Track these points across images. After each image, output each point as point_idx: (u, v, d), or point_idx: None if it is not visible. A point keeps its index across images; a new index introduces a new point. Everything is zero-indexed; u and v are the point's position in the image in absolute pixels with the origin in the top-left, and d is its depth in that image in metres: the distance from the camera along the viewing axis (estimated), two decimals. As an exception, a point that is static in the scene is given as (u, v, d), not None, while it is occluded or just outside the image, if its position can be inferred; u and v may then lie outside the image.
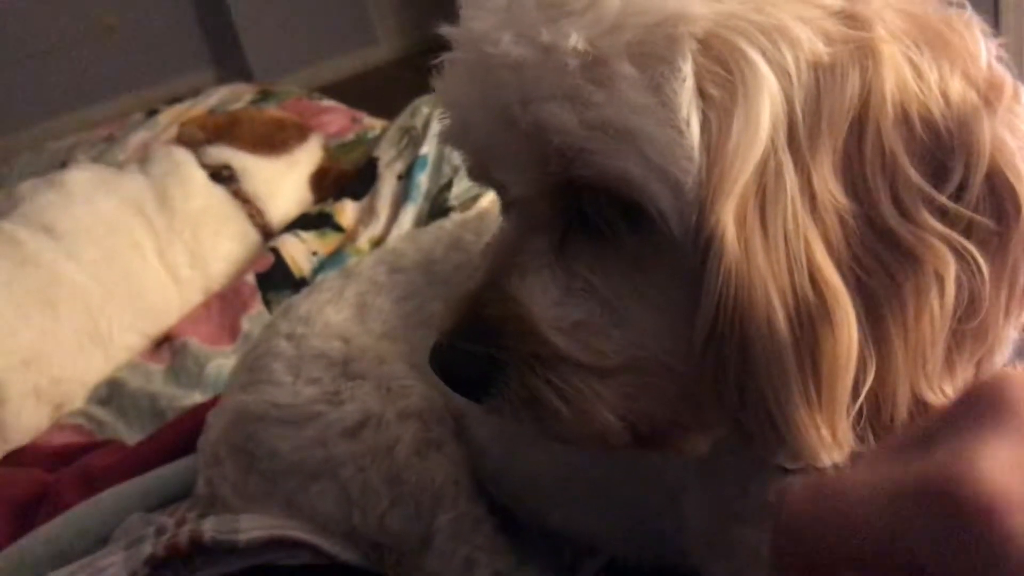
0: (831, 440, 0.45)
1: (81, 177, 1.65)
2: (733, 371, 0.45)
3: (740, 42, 0.43)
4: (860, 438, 0.45)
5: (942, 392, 0.45)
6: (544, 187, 0.49)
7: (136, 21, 4.32)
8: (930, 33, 0.45)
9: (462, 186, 1.61)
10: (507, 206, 0.55)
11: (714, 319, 0.44)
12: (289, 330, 0.90)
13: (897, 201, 0.43)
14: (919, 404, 0.46)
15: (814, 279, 0.43)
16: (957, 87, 0.44)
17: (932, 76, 0.43)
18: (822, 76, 0.43)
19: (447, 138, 0.57)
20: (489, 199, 1.46)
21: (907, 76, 0.43)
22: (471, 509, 0.82)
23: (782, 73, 0.43)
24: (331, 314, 0.90)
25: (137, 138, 2.22)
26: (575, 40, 0.44)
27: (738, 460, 0.57)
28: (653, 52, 0.44)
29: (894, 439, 0.36)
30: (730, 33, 0.44)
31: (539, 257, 0.51)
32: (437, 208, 1.59)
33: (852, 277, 0.43)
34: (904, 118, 0.43)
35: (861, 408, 0.45)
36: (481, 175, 0.57)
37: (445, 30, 0.52)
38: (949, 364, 0.46)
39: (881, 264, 0.43)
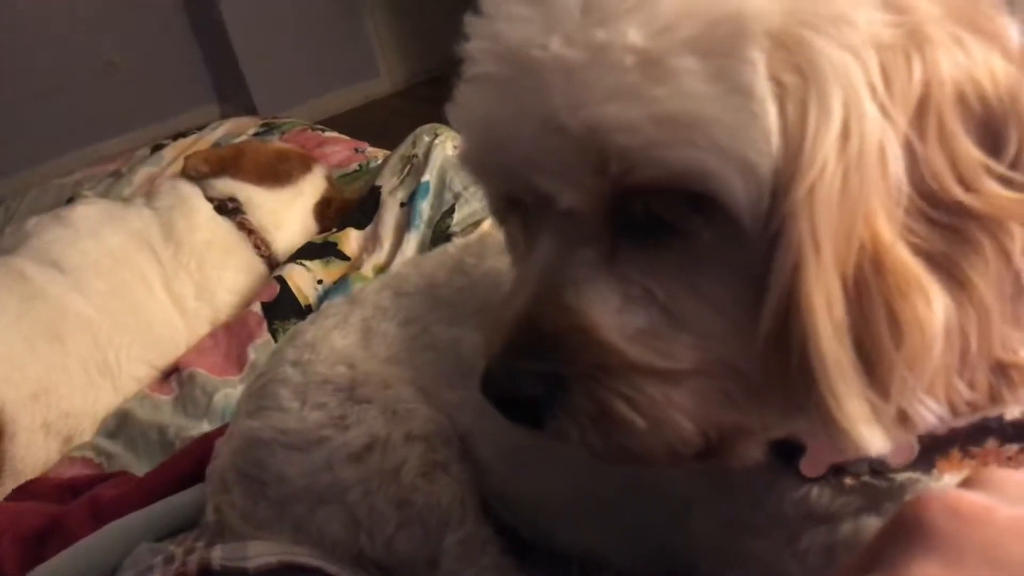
0: (891, 423, 0.44)
1: (88, 212, 1.68)
2: (797, 364, 0.44)
3: (808, 32, 0.43)
4: (937, 415, 0.45)
5: (1021, 355, 0.46)
6: (596, 194, 0.47)
7: (141, 59, 4.38)
8: (964, 17, 0.46)
9: (463, 212, 1.63)
10: (535, 223, 0.53)
11: (780, 311, 0.44)
12: (295, 356, 0.91)
13: (959, 175, 0.43)
14: (996, 369, 0.46)
15: (881, 258, 0.42)
16: (999, 63, 0.45)
17: (978, 55, 0.45)
18: (887, 59, 0.43)
19: (470, 160, 0.55)
20: (489, 223, 1.47)
21: (958, 56, 0.44)
22: (478, 530, 0.82)
23: (853, 56, 0.43)
24: (337, 340, 0.91)
25: (143, 173, 2.24)
26: (633, 37, 0.44)
27: (750, 473, 0.55)
28: (715, 47, 0.44)
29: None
30: (797, 25, 0.44)
31: (592, 267, 0.49)
32: (439, 234, 1.61)
33: (927, 253, 0.43)
34: (960, 96, 0.44)
35: (934, 385, 0.44)
36: (511, 200, 0.55)
37: (468, 47, 0.51)
38: (1021, 328, 0.46)
39: (958, 233, 0.44)
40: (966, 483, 0.39)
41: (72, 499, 1.13)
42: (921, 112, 0.44)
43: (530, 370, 0.49)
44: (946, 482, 0.54)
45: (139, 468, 1.31)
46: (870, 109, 0.43)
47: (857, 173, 0.42)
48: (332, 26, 4.55)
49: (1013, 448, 0.55)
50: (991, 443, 0.54)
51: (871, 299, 0.43)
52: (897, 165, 0.43)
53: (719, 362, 0.47)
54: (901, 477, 0.55)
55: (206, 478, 0.94)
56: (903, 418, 0.45)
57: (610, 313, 0.48)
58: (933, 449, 0.54)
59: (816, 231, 0.42)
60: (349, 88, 4.66)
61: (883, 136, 0.43)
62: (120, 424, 1.44)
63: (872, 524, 0.55)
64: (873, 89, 0.43)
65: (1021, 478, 0.38)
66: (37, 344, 1.45)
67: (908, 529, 0.36)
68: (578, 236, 0.50)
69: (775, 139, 0.43)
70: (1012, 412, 0.53)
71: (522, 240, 0.57)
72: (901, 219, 0.43)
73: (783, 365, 0.44)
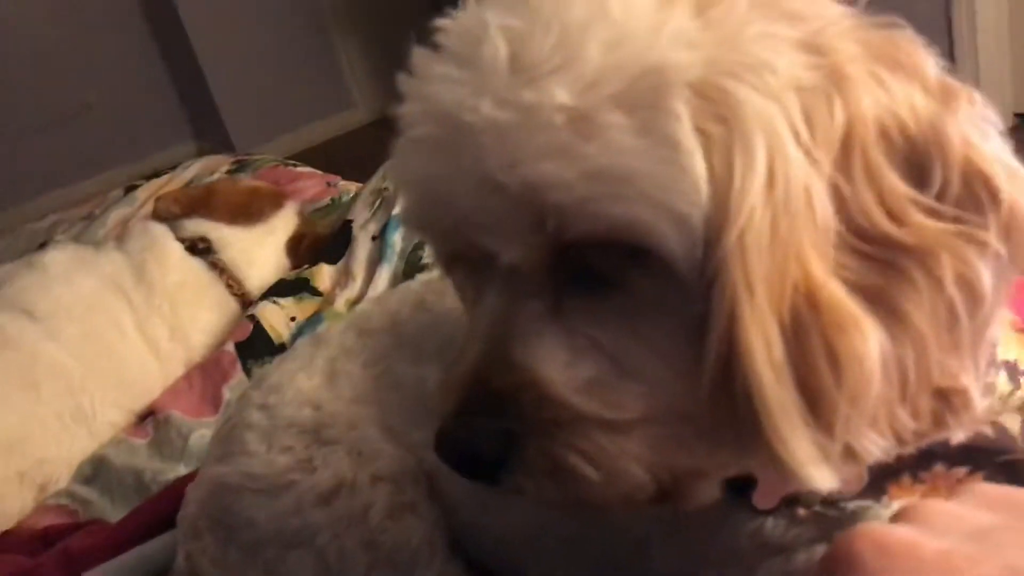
0: (838, 459, 0.44)
1: (59, 258, 1.67)
2: (743, 407, 0.44)
3: (729, 81, 0.44)
4: (880, 447, 0.45)
5: (961, 381, 0.47)
6: (537, 250, 0.48)
7: (114, 98, 4.38)
8: (883, 54, 0.47)
9: (436, 244, 1.63)
10: (480, 277, 0.53)
11: (721, 357, 0.44)
12: (261, 400, 0.91)
13: (888, 210, 0.44)
14: (938, 396, 0.47)
15: (816, 297, 0.43)
16: (919, 97, 0.46)
17: (898, 91, 0.45)
18: (809, 102, 0.44)
19: (411, 219, 0.55)
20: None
21: (879, 94, 0.45)
22: (447, 569, 0.82)
23: (775, 101, 0.44)
24: (302, 381, 0.91)
25: (116, 215, 2.23)
26: (560, 96, 0.44)
27: (704, 508, 0.55)
28: (641, 101, 0.44)
29: None
30: (718, 75, 0.44)
31: (538, 321, 0.49)
32: (412, 266, 1.61)
33: (861, 287, 0.44)
34: (883, 133, 0.45)
35: (877, 418, 0.45)
36: (455, 254, 0.56)
37: (402, 109, 0.51)
38: (960, 354, 0.47)
39: (890, 266, 0.44)
40: (897, 517, 0.40)
41: (45, 550, 1.12)
42: (846, 151, 0.44)
43: (484, 428, 0.49)
44: (896, 508, 0.54)
45: (115, 514, 1.30)
46: (794, 153, 0.43)
47: (785, 217, 0.43)
48: (306, 58, 4.56)
49: (961, 471, 0.56)
50: (939, 467, 0.55)
51: (809, 338, 0.43)
52: (824, 206, 0.44)
53: (668, 408, 0.48)
54: (853, 505, 0.55)
55: (177, 524, 0.93)
56: (849, 453, 0.45)
57: (559, 367, 0.48)
58: (883, 476, 0.55)
59: (749, 275, 0.43)
60: (325, 120, 4.67)
61: (808, 179, 0.43)
62: (96, 470, 1.43)
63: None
64: (796, 133, 0.44)
65: (950, 509, 0.39)
66: (10, 394, 1.45)
67: (839, 566, 0.36)
68: (523, 290, 0.50)
69: (704, 189, 0.44)
70: (957, 436, 0.54)
71: (470, 293, 0.58)
72: (833, 256, 0.44)
73: (730, 408, 0.45)
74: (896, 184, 0.45)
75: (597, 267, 0.47)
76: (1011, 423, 0.57)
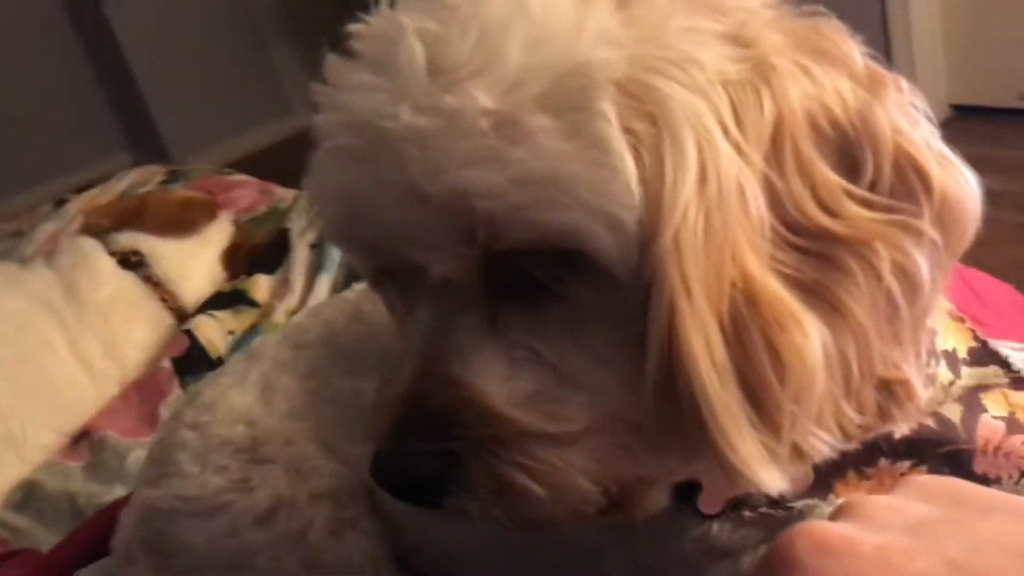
0: (786, 459, 0.44)
1: (-16, 277, 1.62)
2: (688, 411, 0.43)
3: (654, 78, 0.43)
4: (827, 443, 0.45)
5: (903, 371, 0.46)
6: (469, 261, 0.46)
7: (43, 110, 4.27)
8: (808, 44, 0.46)
9: (376, 250, 1.61)
10: (412, 292, 0.51)
11: (662, 360, 0.43)
12: (193, 419, 0.88)
13: (821, 202, 0.44)
14: (882, 388, 0.46)
15: (754, 295, 0.42)
16: (847, 86, 0.45)
17: (825, 81, 0.45)
18: (737, 95, 0.44)
19: (334, 234, 0.54)
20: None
21: (806, 84, 0.45)
22: (392, 585, 0.80)
23: (702, 96, 0.43)
24: (236, 398, 0.88)
25: (45, 230, 2.16)
26: (482, 99, 0.43)
27: (650, 516, 0.54)
28: (567, 102, 0.43)
29: None
30: (642, 72, 0.43)
31: (474, 335, 0.48)
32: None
33: (799, 282, 0.43)
34: (813, 124, 0.44)
35: (823, 414, 0.44)
36: (382, 270, 0.54)
37: (318, 119, 0.50)
38: (901, 345, 0.46)
39: (826, 259, 0.44)
40: (836, 513, 0.40)
41: (-27, 584, 1.07)
42: (776, 144, 0.44)
43: (422, 450, 0.47)
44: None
45: (48, 541, 1.25)
46: (724, 148, 0.43)
47: (719, 214, 0.42)
48: (242, 64, 4.50)
49: (905, 465, 0.55)
50: (883, 462, 0.55)
51: (750, 336, 0.42)
52: (758, 200, 0.43)
53: (613, 417, 0.47)
54: (799, 505, 0.54)
55: (111, 551, 0.90)
56: (797, 452, 0.45)
57: (498, 381, 0.47)
58: (828, 474, 0.54)
59: (686, 275, 0.42)
60: (264, 127, 4.60)
61: (740, 173, 0.43)
62: (27, 496, 1.38)
63: None
64: (725, 128, 0.43)
65: (888, 503, 0.39)
66: (-66, 420, 1.39)
67: (778, 565, 0.36)
68: (456, 304, 0.48)
69: (636, 190, 0.43)
70: (901, 430, 0.53)
71: (400, 308, 0.56)
72: (769, 252, 0.43)
73: (675, 413, 0.44)
74: (828, 175, 0.44)
75: (532, 275, 0.46)
76: (952, 413, 0.57)
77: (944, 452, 0.55)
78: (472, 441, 0.46)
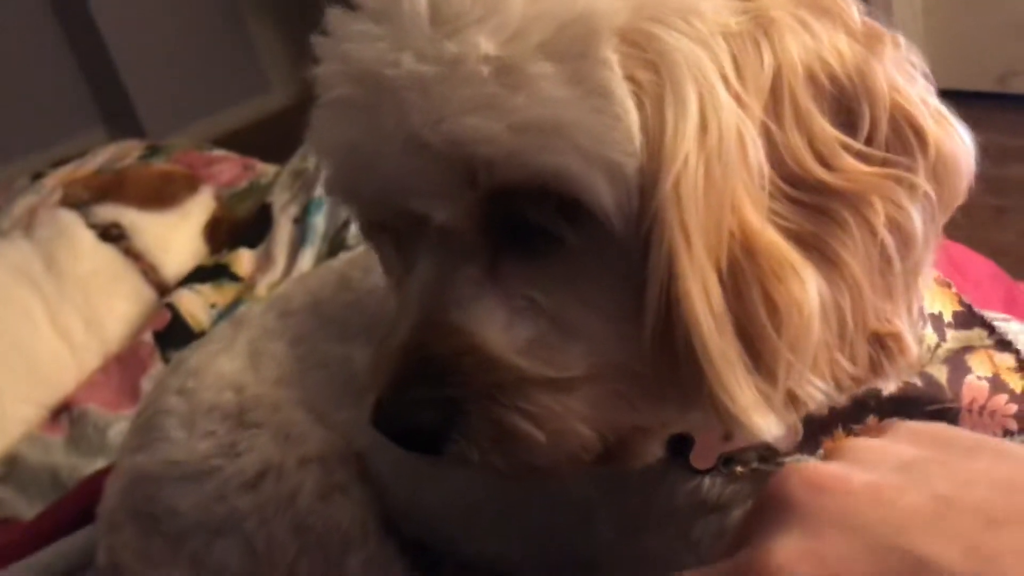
0: (781, 406, 0.45)
1: (-40, 250, 1.60)
2: (685, 360, 0.44)
3: (656, 27, 0.44)
4: (824, 393, 0.46)
5: (895, 325, 0.47)
6: (470, 208, 0.47)
7: (16, 84, 4.20)
8: None
9: (359, 225, 1.60)
10: (410, 244, 0.52)
11: (661, 309, 0.43)
12: (180, 385, 0.87)
13: (818, 155, 0.44)
14: (874, 341, 0.47)
15: (752, 245, 0.43)
16: (845, 41, 0.46)
17: (823, 35, 0.45)
18: (737, 47, 0.44)
19: (335, 188, 0.54)
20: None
21: (805, 38, 0.45)
22: (381, 549, 0.80)
23: (703, 47, 0.43)
24: (223, 364, 0.88)
25: (23, 204, 2.14)
26: (485, 46, 0.43)
27: (642, 470, 0.55)
28: (569, 50, 0.43)
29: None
30: (645, 21, 0.44)
31: (474, 284, 0.48)
32: (335, 249, 1.57)
33: (795, 234, 0.44)
34: (811, 77, 0.45)
35: (818, 363, 0.45)
36: (382, 223, 0.54)
37: (318, 70, 0.50)
38: (893, 299, 0.47)
39: (823, 212, 0.44)
40: (827, 455, 0.40)
41: (-45, 553, 1.07)
42: (775, 96, 0.44)
43: (424, 398, 0.48)
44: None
45: (31, 513, 1.25)
46: (725, 99, 0.43)
47: (719, 163, 0.43)
48: (220, 41, 4.45)
49: (892, 422, 0.56)
50: (871, 420, 0.55)
51: (747, 286, 0.43)
52: (757, 151, 0.43)
53: (611, 365, 0.47)
54: (789, 460, 0.55)
55: (96, 519, 0.90)
56: (792, 400, 0.45)
57: (498, 329, 0.47)
58: (817, 430, 0.55)
59: (685, 224, 0.42)
60: (241, 105, 4.56)
61: (740, 124, 0.43)
62: (9, 469, 1.37)
63: None
64: (726, 78, 0.43)
65: (877, 444, 0.39)
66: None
67: (771, 504, 0.37)
68: (457, 254, 0.49)
69: (637, 137, 0.43)
70: (888, 388, 0.54)
71: (398, 262, 0.56)
72: (767, 204, 0.44)
73: (672, 362, 0.44)
74: (825, 128, 0.45)
75: (532, 223, 0.46)
76: (938, 374, 0.57)
77: (930, 411, 0.56)
78: (472, 388, 0.47)
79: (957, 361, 0.58)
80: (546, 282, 0.47)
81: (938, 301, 0.61)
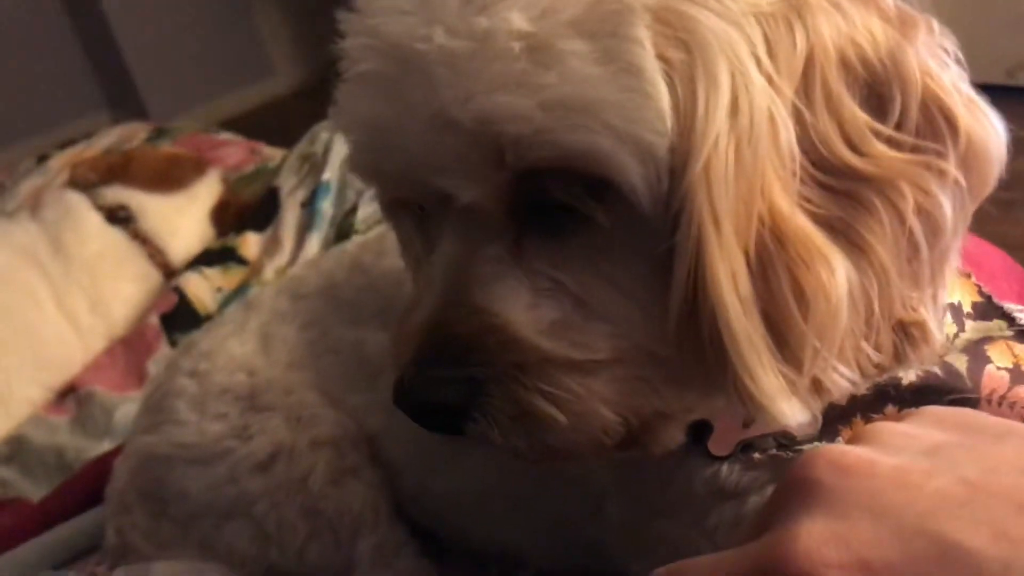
0: (806, 393, 0.44)
1: (-34, 229, 1.60)
2: (710, 344, 0.43)
3: (688, 6, 0.43)
4: (849, 380, 0.45)
5: (920, 313, 0.47)
6: (496, 186, 0.46)
7: (21, 67, 4.19)
8: None
9: (367, 210, 1.60)
10: (433, 223, 0.51)
11: (687, 291, 0.43)
12: (191, 367, 0.87)
13: (847, 140, 0.44)
14: (898, 329, 0.47)
15: (781, 230, 0.42)
16: (878, 25, 0.45)
17: (856, 18, 0.45)
18: (770, 28, 0.43)
19: (358, 165, 0.53)
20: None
21: (838, 21, 0.44)
22: (392, 534, 0.80)
23: (736, 27, 0.43)
24: (234, 347, 0.88)
25: (28, 185, 2.14)
26: (517, 22, 0.43)
27: (660, 456, 0.54)
28: (601, 27, 0.43)
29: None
30: (676, 0, 0.43)
31: (498, 264, 0.48)
32: (343, 234, 1.57)
33: (824, 220, 0.43)
34: (844, 61, 0.44)
35: (844, 350, 0.45)
36: (404, 202, 0.53)
37: (345, 45, 0.49)
38: (919, 287, 0.47)
39: (851, 198, 0.44)
40: (853, 439, 0.40)
41: (-37, 532, 1.07)
42: (806, 79, 0.44)
43: (446, 376, 0.47)
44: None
45: (36, 494, 1.25)
46: (757, 80, 0.43)
47: (750, 145, 0.42)
48: (225, 24, 4.43)
49: (911, 412, 0.56)
50: (890, 409, 0.55)
51: (774, 271, 0.43)
52: (788, 134, 0.43)
53: (635, 349, 0.47)
54: (807, 448, 0.55)
55: (105, 499, 0.90)
56: (817, 387, 0.45)
57: (522, 309, 0.47)
58: (836, 419, 0.55)
59: (714, 207, 0.42)
60: (245, 89, 4.54)
61: (772, 105, 0.42)
62: (15, 450, 1.37)
63: None
64: (758, 59, 0.43)
65: (903, 429, 0.39)
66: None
67: (796, 487, 0.36)
68: (481, 233, 0.48)
69: (668, 117, 0.43)
70: (908, 377, 0.54)
71: (418, 242, 0.56)
72: (796, 188, 0.43)
73: (697, 346, 0.44)
74: (856, 113, 0.44)
75: (558, 202, 0.46)
76: (958, 363, 0.57)
77: (950, 400, 0.56)
78: (496, 367, 0.46)
79: (977, 351, 0.58)
80: (571, 263, 0.47)
81: (957, 291, 0.61)
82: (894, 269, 0.44)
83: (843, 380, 0.45)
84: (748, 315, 0.42)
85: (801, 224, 0.43)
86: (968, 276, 0.63)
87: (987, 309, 0.61)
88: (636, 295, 0.46)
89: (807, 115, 0.43)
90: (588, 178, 0.44)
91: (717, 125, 0.42)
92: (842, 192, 0.44)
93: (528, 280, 0.47)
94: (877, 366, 0.46)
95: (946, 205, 0.45)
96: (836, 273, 0.43)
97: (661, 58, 0.43)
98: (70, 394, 1.46)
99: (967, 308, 0.61)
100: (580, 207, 0.45)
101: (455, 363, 0.47)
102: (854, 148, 0.44)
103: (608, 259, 0.47)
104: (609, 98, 0.42)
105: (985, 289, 0.63)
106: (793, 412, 0.44)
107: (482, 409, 0.47)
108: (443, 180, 0.47)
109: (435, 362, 0.48)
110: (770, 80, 0.43)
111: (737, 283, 0.42)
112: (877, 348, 0.46)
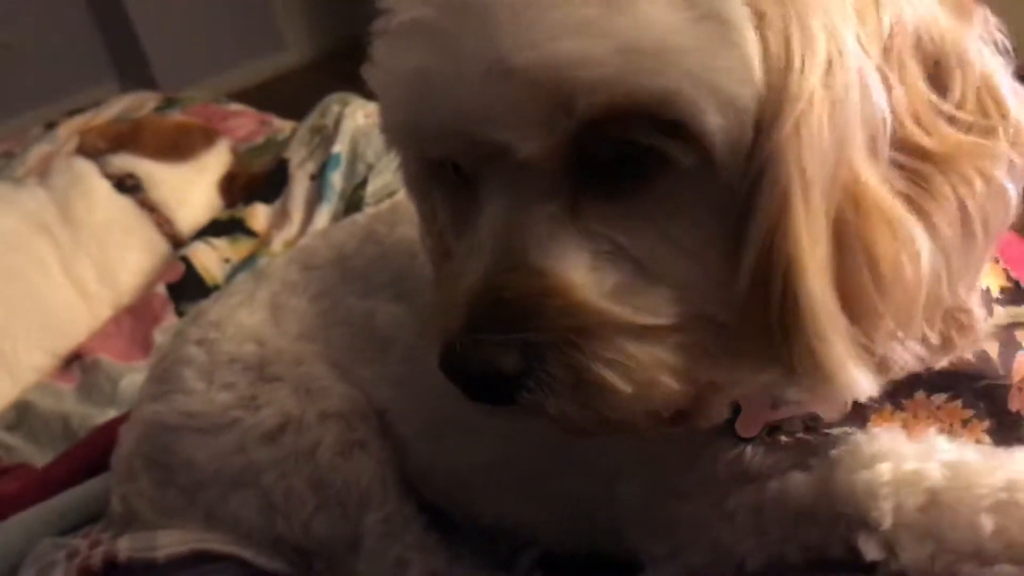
0: (875, 368, 0.43)
1: (-26, 194, 1.58)
2: (779, 310, 0.42)
3: None
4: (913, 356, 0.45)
5: (969, 299, 0.47)
6: (559, 138, 0.44)
7: (34, 37, 4.17)
8: None
9: (377, 183, 1.58)
10: (475, 185, 0.49)
11: (763, 251, 0.41)
12: (200, 336, 0.86)
13: (916, 115, 0.43)
14: (947, 314, 0.46)
15: (863, 201, 0.41)
16: (942, 12, 0.45)
17: (923, 4, 0.45)
18: (858, 2, 0.42)
19: (395, 125, 0.51)
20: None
21: (916, 4, 0.44)
22: (400, 508, 0.79)
23: None
24: (244, 317, 0.87)
25: (37, 152, 2.12)
26: None
27: (682, 437, 0.54)
28: None
29: None
30: None
31: (555, 224, 0.45)
32: (352, 207, 1.56)
33: (900, 194, 0.43)
34: (919, 43, 0.44)
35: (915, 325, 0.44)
36: (440, 164, 0.51)
37: None
38: (971, 272, 0.47)
39: (921, 177, 0.43)
40: None
41: (-33, 497, 1.06)
42: (887, 55, 0.43)
43: (501, 342, 0.44)
44: (876, 434, 0.53)
45: (42, 461, 1.24)
46: (852, 44, 0.41)
47: (842, 109, 0.41)
48: (235, -4, 4.40)
49: (941, 398, 0.55)
50: (919, 395, 0.54)
51: (851, 240, 0.41)
52: (881, 102, 0.42)
53: (698, 315, 0.45)
54: (835, 431, 0.54)
55: (111, 467, 0.89)
56: (883, 364, 0.44)
57: (584, 271, 0.45)
58: (865, 403, 0.53)
59: (803, 167, 0.40)
60: (255, 61, 4.52)
61: (865, 71, 0.41)
62: (20, 416, 1.37)
63: (798, 480, 0.54)
64: (851, 24, 0.42)
65: None
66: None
67: None
68: (535, 191, 0.46)
69: (757, 69, 0.41)
70: (940, 362, 0.53)
71: (445, 215, 0.54)
72: (884, 158, 0.42)
73: (762, 313, 0.43)
74: (926, 92, 0.43)
75: (627, 150, 0.43)
76: (989, 349, 0.56)
77: (980, 387, 0.55)
78: (553, 332, 0.44)
79: (1007, 337, 0.57)
80: (631, 224, 0.45)
81: (986, 276, 0.60)
82: (956, 251, 0.44)
83: (909, 356, 0.44)
84: (826, 282, 0.41)
85: (885, 196, 0.41)
86: (996, 261, 0.62)
87: (1016, 294, 0.60)
88: (700, 256, 0.44)
89: (894, 87, 0.42)
90: (662, 125, 0.42)
91: (812, 83, 0.40)
92: (912, 170, 0.43)
93: (587, 242, 0.45)
94: (930, 349, 0.46)
95: (1009, 188, 0.44)
96: (919, 251, 0.42)
97: (751, 7, 0.41)
98: (76, 361, 1.45)
99: (995, 293, 0.59)
100: (658, 146, 0.43)
101: (508, 328, 0.44)
102: (923, 127, 0.43)
103: (672, 220, 0.44)
104: (689, 44, 0.41)
105: (1013, 274, 0.62)
106: (862, 380, 0.43)
107: (537, 377, 0.44)
108: (499, 133, 0.44)
109: (487, 328, 0.45)
110: (862, 46, 0.42)
111: (817, 251, 0.41)
112: (932, 330, 0.45)
